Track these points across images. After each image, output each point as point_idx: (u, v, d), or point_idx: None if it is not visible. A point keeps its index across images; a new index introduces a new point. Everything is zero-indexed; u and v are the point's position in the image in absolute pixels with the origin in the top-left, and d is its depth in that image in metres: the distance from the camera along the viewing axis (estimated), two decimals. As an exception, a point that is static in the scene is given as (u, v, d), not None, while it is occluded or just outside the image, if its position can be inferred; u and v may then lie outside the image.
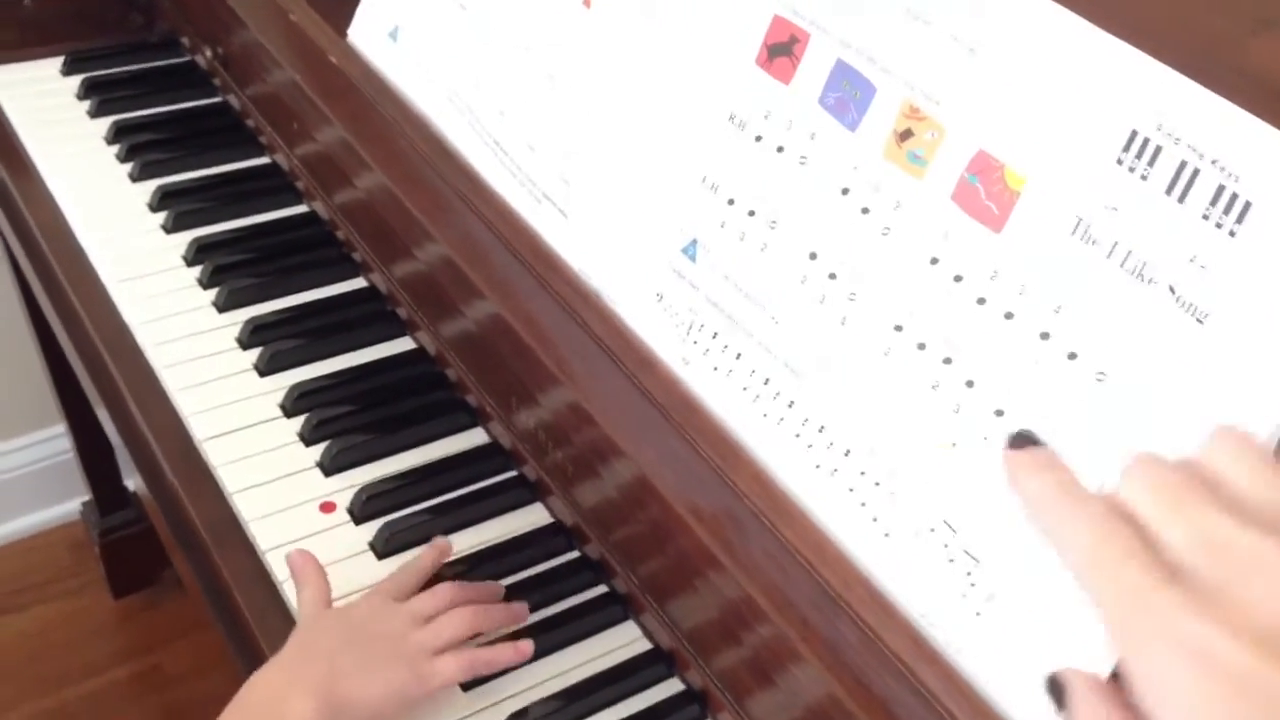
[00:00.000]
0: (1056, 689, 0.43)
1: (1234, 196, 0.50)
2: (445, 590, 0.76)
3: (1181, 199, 0.52)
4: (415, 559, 0.79)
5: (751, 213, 0.69)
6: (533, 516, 0.85)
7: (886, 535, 0.64)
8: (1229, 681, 0.35)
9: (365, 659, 0.70)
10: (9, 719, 1.53)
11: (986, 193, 0.59)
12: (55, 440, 1.70)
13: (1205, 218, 0.51)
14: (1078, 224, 0.55)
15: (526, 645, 0.75)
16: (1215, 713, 0.35)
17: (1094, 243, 0.55)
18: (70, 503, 1.74)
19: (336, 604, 0.76)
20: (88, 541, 1.70)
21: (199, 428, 0.86)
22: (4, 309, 1.53)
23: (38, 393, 1.58)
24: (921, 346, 0.62)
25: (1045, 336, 0.57)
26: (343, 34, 0.98)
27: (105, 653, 1.62)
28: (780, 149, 0.68)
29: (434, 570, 0.79)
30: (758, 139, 0.69)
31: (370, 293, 1.00)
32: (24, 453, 1.72)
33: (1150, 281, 0.53)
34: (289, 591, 0.78)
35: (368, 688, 0.68)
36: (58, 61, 1.20)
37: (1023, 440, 0.45)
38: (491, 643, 0.76)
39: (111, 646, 1.63)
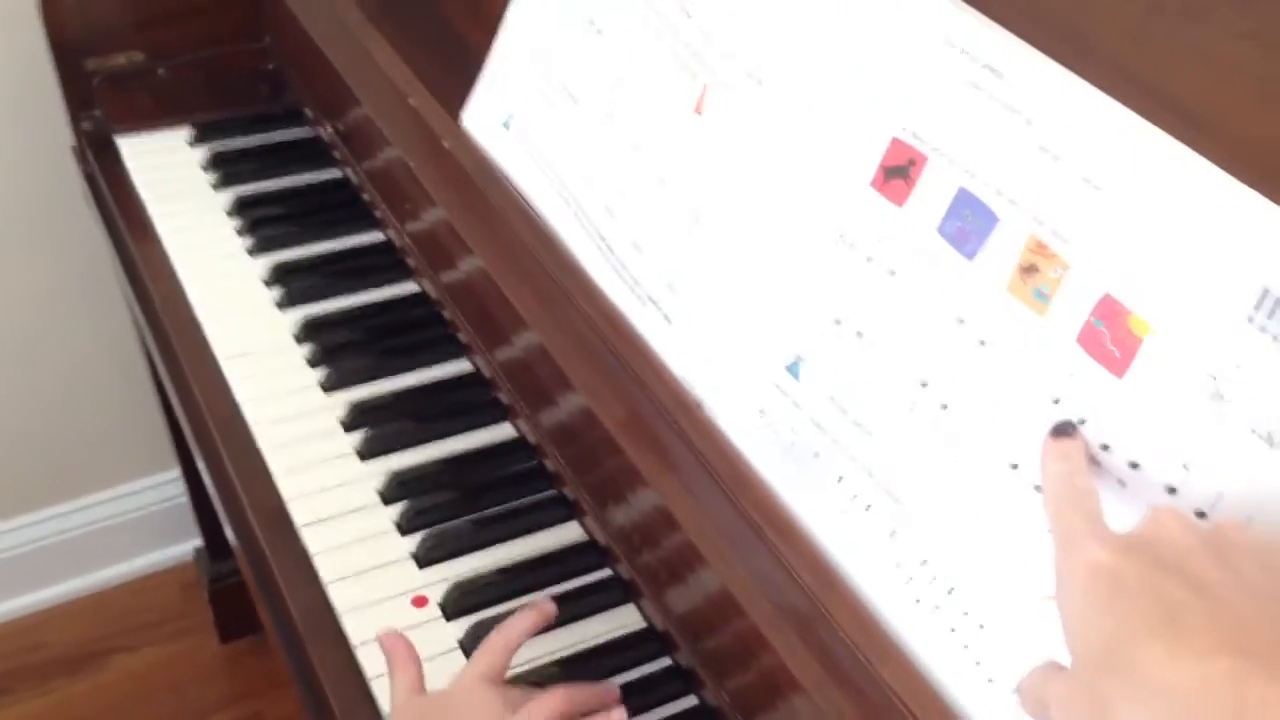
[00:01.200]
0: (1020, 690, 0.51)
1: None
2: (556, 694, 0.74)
3: (1318, 365, 0.48)
4: (509, 626, 0.76)
5: (860, 334, 0.67)
6: (625, 619, 0.83)
7: (990, 681, 0.61)
8: (1096, 574, 0.45)
9: None
10: (116, 762, 1.58)
11: (1111, 337, 0.56)
12: (173, 484, 1.75)
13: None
14: (1206, 380, 0.52)
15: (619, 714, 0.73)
16: (1082, 600, 0.45)
17: (1224, 400, 0.51)
18: (185, 544, 1.78)
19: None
20: (198, 583, 1.73)
21: (299, 513, 0.87)
22: (127, 357, 1.58)
23: (157, 436, 1.62)
24: (1039, 488, 0.59)
25: (1172, 491, 0.54)
26: (457, 117, 0.99)
27: (210, 697, 1.65)
28: (893, 273, 0.65)
29: (528, 637, 0.77)
30: (869, 260, 0.66)
31: (474, 377, 1.00)
32: (143, 495, 1.77)
33: (1282, 448, 0.49)
34: (379, 688, 0.77)
35: None
36: (186, 131, 1.24)
37: (1062, 430, 0.56)
38: None
39: (216, 691, 1.66)
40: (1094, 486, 0.53)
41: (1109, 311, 0.56)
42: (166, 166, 1.19)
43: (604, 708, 0.75)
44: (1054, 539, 0.51)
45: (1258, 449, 0.50)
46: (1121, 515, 0.54)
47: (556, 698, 0.72)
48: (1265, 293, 0.49)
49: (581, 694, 0.75)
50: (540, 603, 0.79)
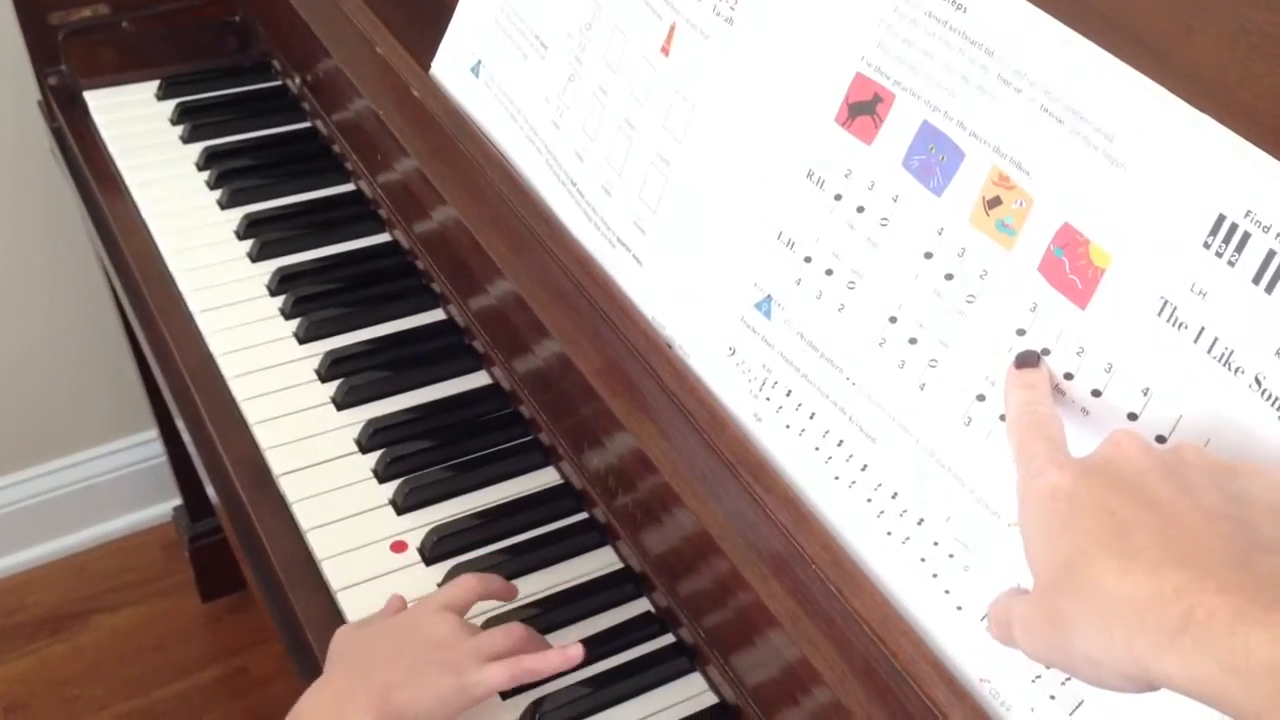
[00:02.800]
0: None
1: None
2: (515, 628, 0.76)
3: (1269, 289, 0.49)
4: (486, 577, 0.79)
5: (829, 271, 0.68)
6: (602, 561, 0.84)
7: (959, 609, 0.62)
8: (1055, 497, 0.47)
9: (415, 667, 0.70)
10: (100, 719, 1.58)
11: (1071, 267, 0.57)
12: (151, 444, 1.75)
13: (1295, 309, 0.48)
14: (1164, 306, 0.53)
15: (576, 650, 0.74)
16: (1041, 523, 0.47)
17: (1182, 326, 0.52)
18: (164, 504, 1.79)
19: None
20: (179, 543, 1.74)
21: (276, 462, 0.87)
22: (101, 316, 1.58)
23: (134, 396, 1.62)
24: (1004, 418, 0.60)
25: (1133, 417, 0.55)
26: (426, 67, 0.98)
27: (193, 655, 1.66)
28: (860, 209, 0.66)
29: (494, 597, 0.79)
30: (837, 197, 0.67)
31: (448, 325, 1.00)
32: (121, 455, 1.77)
33: (1238, 371, 0.51)
34: (359, 632, 0.78)
35: (419, 697, 0.69)
36: (153, 85, 1.23)
37: (1025, 360, 0.57)
38: None
39: (199, 649, 1.67)
40: (1056, 413, 0.54)
41: (1069, 240, 0.56)
42: (135, 120, 1.18)
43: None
44: (1016, 465, 0.52)
45: (1216, 373, 0.51)
46: (1084, 442, 0.55)
47: (517, 627, 0.75)
48: (1220, 218, 0.50)
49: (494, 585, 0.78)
50: (514, 587, 0.81)
